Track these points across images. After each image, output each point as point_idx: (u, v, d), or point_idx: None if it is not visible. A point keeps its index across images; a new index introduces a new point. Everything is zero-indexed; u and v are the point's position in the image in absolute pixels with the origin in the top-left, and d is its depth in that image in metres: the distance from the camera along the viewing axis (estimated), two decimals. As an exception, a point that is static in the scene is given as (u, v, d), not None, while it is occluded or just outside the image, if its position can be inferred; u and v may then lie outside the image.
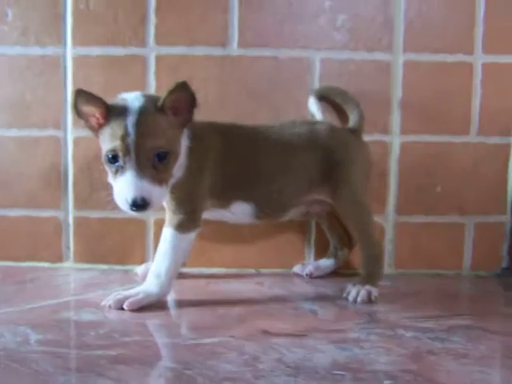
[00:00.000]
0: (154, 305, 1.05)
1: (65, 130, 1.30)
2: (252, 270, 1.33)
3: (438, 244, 1.34)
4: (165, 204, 1.10)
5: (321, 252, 1.33)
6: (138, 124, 0.97)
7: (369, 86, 1.30)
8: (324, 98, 1.29)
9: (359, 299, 1.10)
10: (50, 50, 1.29)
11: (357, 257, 1.31)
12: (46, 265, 1.33)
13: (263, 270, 1.34)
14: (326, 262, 1.31)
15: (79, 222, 1.32)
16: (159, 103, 1.00)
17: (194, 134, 1.09)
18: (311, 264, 1.30)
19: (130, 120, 0.97)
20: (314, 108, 1.27)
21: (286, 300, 1.12)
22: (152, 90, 1.28)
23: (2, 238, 1.33)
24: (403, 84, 1.30)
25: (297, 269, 1.32)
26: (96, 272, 1.30)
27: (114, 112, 0.99)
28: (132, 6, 1.27)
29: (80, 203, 1.31)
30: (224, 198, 1.14)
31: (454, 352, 0.86)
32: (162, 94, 1.01)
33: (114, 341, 0.87)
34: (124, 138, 0.97)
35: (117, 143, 0.97)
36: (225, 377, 0.75)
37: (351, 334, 0.93)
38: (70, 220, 1.32)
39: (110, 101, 1.01)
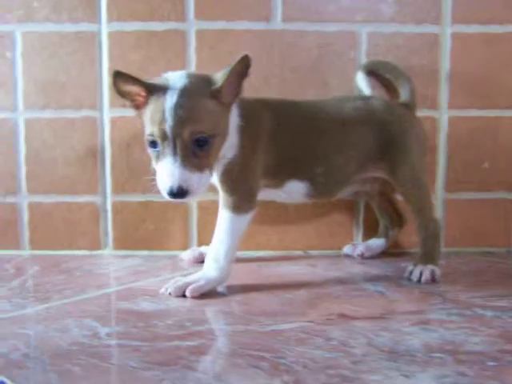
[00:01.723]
0: (214, 291, 1.00)
1: (101, 111, 1.24)
2: (299, 252, 1.30)
3: (487, 221, 1.31)
4: (218, 186, 1.05)
5: (368, 232, 1.30)
6: (177, 108, 0.91)
7: (417, 59, 1.26)
8: (372, 72, 1.25)
9: (423, 279, 1.07)
10: (83, 26, 1.22)
11: (405, 236, 1.29)
12: (84, 253, 1.27)
13: (311, 252, 1.30)
14: (377, 242, 1.27)
15: (117, 207, 1.26)
16: (217, 86, 0.93)
17: (244, 111, 1.03)
18: (362, 244, 1.27)
19: (169, 103, 0.91)
20: (363, 83, 1.23)
21: (347, 282, 1.08)
22: (192, 66, 1.23)
23: (38, 226, 1.27)
24: (451, 57, 1.26)
25: (347, 249, 1.28)
26: (138, 259, 1.24)
27: (154, 93, 0.94)
28: (171, -22, 1.22)
29: (118, 187, 1.26)
30: (278, 178, 1.10)
31: (542, 331, 0.84)
32: (206, 72, 0.97)
33: (188, 330, 0.82)
34: (161, 123, 0.91)
35: (154, 129, 0.92)
36: (324, 364, 0.71)
37: (431, 315, 0.90)
38: (108, 205, 1.26)
39: (152, 80, 0.95)
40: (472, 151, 1.29)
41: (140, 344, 0.77)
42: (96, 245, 1.27)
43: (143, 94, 0.95)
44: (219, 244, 1.02)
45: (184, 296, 0.97)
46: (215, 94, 0.94)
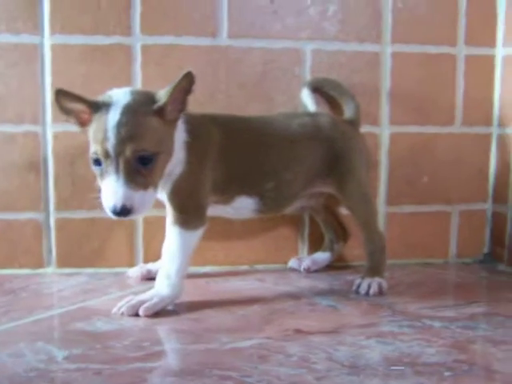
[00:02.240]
0: (167, 308, 0.99)
1: (43, 125, 1.20)
2: (246, 267, 1.30)
3: (426, 233, 1.36)
4: (166, 202, 1.04)
5: (313, 246, 1.32)
6: (119, 126, 0.90)
7: (359, 77, 1.29)
8: (317, 89, 1.27)
9: (371, 291, 1.10)
10: (24, 38, 1.18)
11: (348, 250, 1.32)
12: (27, 271, 1.22)
13: (257, 267, 1.30)
14: (322, 256, 1.29)
15: (61, 223, 1.22)
16: (160, 103, 0.93)
17: (191, 127, 1.03)
18: (308, 258, 1.28)
19: (111, 122, 0.90)
20: (308, 100, 1.25)
21: (297, 296, 1.09)
22: (138, 82, 1.21)
23: (-24, 244, 1.22)
24: (391, 75, 1.30)
25: (293, 263, 1.29)
26: (83, 276, 1.21)
27: (98, 111, 0.92)
28: (116, -9, 1.20)
29: (61, 204, 1.22)
30: (227, 194, 1.10)
31: (490, 339, 0.88)
32: (151, 87, 0.97)
33: (147, 351, 0.81)
34: (104, 142, 0.90)
35: (97, 147, 0.91)
36: (289, 381, 0.71)
37: (383, 328, 0.92)
38: (52, 222, 1.22)
39: (95, 98, 0.94)
40: (412, 166, 1.34)
41: (100, 367, 0.75)
42: (39, 263, 1.23)
43: (87, 111, 0.93)
44: (170, 261, 1.01)
45: (137, 315, 0.95)
46: (159, 112, 0.93)
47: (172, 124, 0.97)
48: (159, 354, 0.81)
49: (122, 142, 0.90)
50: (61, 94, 0.93)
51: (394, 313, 1.00)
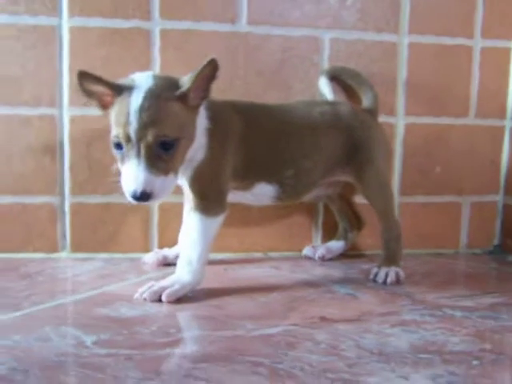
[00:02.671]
0: (189, 294, 0.99)
1: (60, 108, 1.19)
2: (260, 254, 1.30)
3: (437, 224, 1.37)
4: (187, 189, 1.04)
5: (327, 234, 1.33)
6: (142, 111, 0.89)
7: (376, 67, 1.29)
8: (335, 78, 1.27)
9: (389, 280, 1.10)
10: (43, 20, 1.17)
11: (361, 239, 1.33)
12: (41, 256, 1.22)
13: (271, 254, 1.31)
14: (337, 244, 1.30)
15: (76, 208, 1.22)
16: (183, 89, 0.92)
17: (212, 113, 1.02)
18: (322, 246, 1.29)
19: (134, 106, 0.90)
20: (326, 88, 1.25)
21: (315, 284, 1.10)
22: (157, 66, 1.20)
23: (-9, 228, 1.21)
24: (408, 66, 1.31)
25: (307, 251, 1.30)
26: (98, 262, 1.21)
27: (120, 94, 0.92)
28: (136, -25, 1.19)
29: (77, 188, 1.21)
30: (247, 180, 1.10)
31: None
32: (170, 72, 0.97)
33: (175, 337, 0.81)
34: (126, 126, 0.90)
35: (119, 131, 0.90)
36: (321, 368, 0.72)
37: (405, 317, 0.92)
38: (67, 206, 1.22)
39: (118, 80, 0.93)
40: (425, 156, 1.34)
41: (130, 352, 0.75)
42: (53, 247, 1.22)
43: (109, 94, 0.93)
44: (192, 247, 1.01)
45: (159, 301, 0.95)
46: (182, 97, 0.93)
47: (194, 110, 0.97)
48: (187, 340, 0.81)
49: (144, 126, 0.89)
50: (84, 76, 0.92)
51: (414, 302, 1.00)
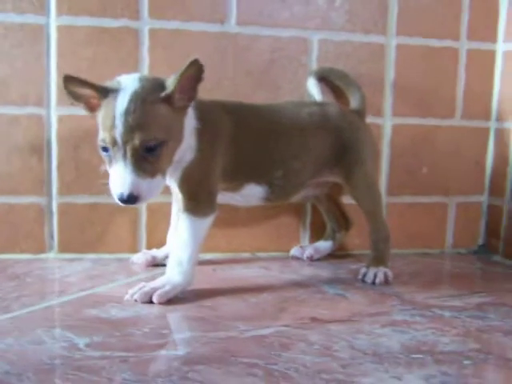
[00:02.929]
0: (179, 295, 0.99)
1: (48, 107, 1.18)
2: (247, 255, 1.31)
3: (424, 223, 1.39)
4: (176, 189, 1.04)
5: (315, 234, 1.33)
6: (127, 114, 0.89)
7: (364, 68, 1.30)
8: (323, 79, 1.28)
9: (377, 281, 1.11)
10: (30, 18, 1.15)
11: (348, 239, 1.34)
12: (28, 256, 1.21)
13: (259, 254, 1.31)
14: (325, 245, 1.30)
15: (64, 208, 1.21)
16: (167, 91, 0.91)
17: (201, 114, 1.02)
18: (310, 247, 1.30)
19: (119, 109, 0.89)
20: (314, 89, 1.25)
21: (305, 285, 1.10)
22: (145, 66, 1.20)
23: (-23, 228, 1.20)
24: (395, 67, 1.32)
25: (295, 251, 1.30)
26: (86, 262, 1.20)
27: (106, 96, 0.92)
28: (125, -26, 1.18)
29: (64, 188, 1.20)
30: (236, 181, 1.10)
31: (500, 329, 0.90)
32: (158, 72, 0.97)
33: (168, 339, 0.81)
34: (111, 129, 0.90)
35: (105, 135, 0.90)
36: (316, 369, 0.72)
37: (396, 317, 0.93)
38: (54, 207, 1.20)
39: (103, 81, 0.93)
40: (412, 157, 1.36)
41: (125, 355, 0.75)
42: (40, 248, 1.21)
43: (96, 96, 0.93)
44: (182, 248, 1.01)
45: (150, 302, 0.95)
46: (167, 99, 0.92)
47: (181, 111, 0.96)
48: (180, 342, 0.81)
49: (129, 130, 0.89)
50: (69, 80, 0.92)
51: (403, 302, 1.01)
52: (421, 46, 1.32)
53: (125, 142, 0.89)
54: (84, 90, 0.93)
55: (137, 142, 0.89)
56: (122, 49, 1.19)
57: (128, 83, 0.92)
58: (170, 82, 0.92)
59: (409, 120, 1.34)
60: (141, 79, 0.94)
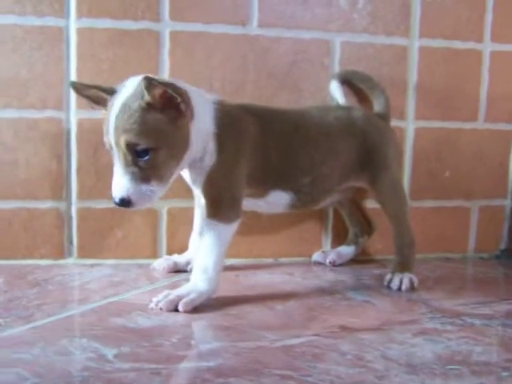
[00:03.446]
0: (204, 303, 0.97)
1: (67, 111, 1.17)
2: (270, 260, 1.29)
3: (446, 228, 1.37)
4: (199, 193, 1.02)
5: (337, 239, 1.31)
6: (117, 118, 0.89)
7: (386, 70, 1.28)
8: (346, 81, 1.26)
9: (404, 287, 1.09)
10: (50, 21, 1.14)
11: (370, 243, 1.32)
12: (47, 262, 1.19)
13: (281, 259, 1.29)
14: (347, 249, 1.28)
15: (83, 213, 1.19)
16: (144, 99, 0.89)
17: (222, 117, 1.00)
18: (333, 252, 1.28)
19: (113, 113, 0.90)
20: (337, 92, 1.23)
21: (330, 291, 1.08)
22: (166, 69, 1.18)
23: (-4, 234, 1.18)
24: (418, 69, 1.30)
25: (318, 257, 1.28)
26: (106, 268, 1.18)
27: (110, 100, 0.93)
28: (145, -25, 1.16)
29: (84, 193, 1.19)
30: (262, 187, 1.08)
31: (534, 338, 0.89)
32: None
33: (198, 349, 0.79)
34: (106, 133, 0.92)
35: (104, 138, 0.93)
36: (351, 381, 0.71)
37: (426, 325, 0.91)
38: (73, 212, 1.19)
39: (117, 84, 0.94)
40: (435, 161, 1.34)
41: (156, 367, 0.73)
42: (59, 253, 1.19)
43: (106, 97, 0.94)
44: (207, 254, 0.99)
45: (176, 310, 0.93)
46: (154, 107, 0.89)
47: (179, 121, 0.92)
48: (210, 353, 0.78)
49: (117, 134, 0.90)
50: (77, 86, 0.97)
51: (432, 309, 0.99)
52: (444, 48, 1.30)
53: (116, 146, 0.90)
54: (92, 91, 0.95)
55: (122, 145, 0.89)
56: (142, 51, 1.17)
57: (129, 86, 0.92)
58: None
59: (432, 123, 1.32)
60: (143, 82, 0.90)
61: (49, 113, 1.16)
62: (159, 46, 1.18)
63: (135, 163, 0.90)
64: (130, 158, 0.90)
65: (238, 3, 1.20)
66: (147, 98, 0.88)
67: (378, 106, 1.24)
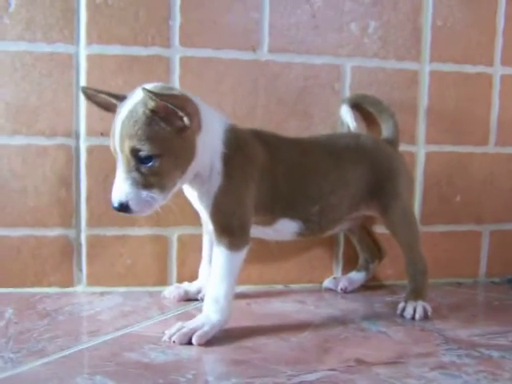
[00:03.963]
0: (217, 334, 0.95)
1: (77, 138, 1.16)
2: (280, 286, 1.27)
3: (457, 252, 1.35)
4: (207, 219, 1.01)
5: (347, 265, 1.30)
6: (123, 124, 0.90)
7: (397, 95, 1.28)
8: (356, 106, 1.25)
9: (417, 316, 1.08)
10: (60, 47, 1.13)
11: (380, 269, 1.31)
12: (55, 290, 1.17)
13: (292, 286, 1.28)
14: (358, 275, 1.27)
15: (92, 241, 1.18)
16: (148, 107, 0.88)
17: (231, 139, 1.00)
18: (344, 278, 1.26)
19: (120, 118, 0.91)
20: (348, 116, 1.23)
21: (345, 321, 1.06)
22: (176, 94, 1.17)
23: (4, 262, 1.16)
24: (429, 94, 1.29)
25: (329, 283, 1.27)
26: (116, 296, 1.16)
27: (119, 106, 0.93)
28: (155, 1, 1.15)
29: (93, 220, 1.17)
30: (269, 215, 1.07)
31: (554, 371, 0.87)
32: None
33: (214, 386, 0.78)
34: (112, 137, 0.93)
35: (110, 143, 0.93)
36: (374, 421, 0.70)
37: (443, 358, 0.90)
38: (83, 239, 1.18)
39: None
40: (446, 185, 1.33)
41: (172, 406, 0.72)
42: (68, 281, 1.18)
43: (115, 103, 0.95)
44: (217, 284, 0.97)
45: (189, 343, 0.92)
46: (157, 114, 0.89)
47: (185, 131, 0.91)
48: (228, 390, 0.78)
49: (121, 139, 0.90)
50: (87, 91, 0.97)
51: (447, 340, 0.98)
52: (454, 72, 1.29)
53: (120, 151, 0.90)
54: (102, 96, 0.96)
55: (126, 150, 0.89)
56: (152, 77, 1.15)
57: (137, 93, 0.91)
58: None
59: (442, 147, 1.31)
60: (156, 89, 0.90)
61: (58, 140, 1.15)
62: (169, 71, 1.17)
63: (138, 169, 0.90)
64: (133, 163, 0.89)
65: (248, 28, 1.20)
66: (151, 105, 0.88)
67: (386, 130, 1.23)
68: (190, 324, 0.95)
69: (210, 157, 0.97)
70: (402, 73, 1.27)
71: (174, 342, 0.92)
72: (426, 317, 1.09)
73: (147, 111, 0.88)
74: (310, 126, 1.23)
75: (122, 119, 0.90)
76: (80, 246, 1.18)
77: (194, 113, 0.92)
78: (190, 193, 1.03)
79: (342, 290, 1.25)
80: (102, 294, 1.18)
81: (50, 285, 1.18)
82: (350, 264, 1.29)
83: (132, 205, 0.90)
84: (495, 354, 0.92)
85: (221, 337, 0.96)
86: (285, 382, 0.80)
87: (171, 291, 1.16)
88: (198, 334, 0.92)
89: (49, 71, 1.14)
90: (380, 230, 1.26)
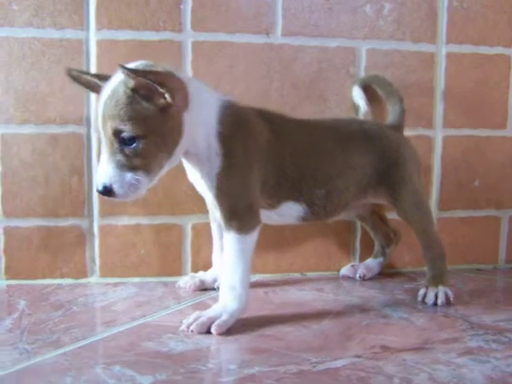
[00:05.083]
0: (235, 323, 0.93)
1: (88, 126, 1.13)
2: (297, 275, 1.25)
3: (476, 238, 1.33)
4: (213, 204, 0.98)
5: (365, 252, 1.27)
6: (105, 104, 0.87)
7: (413, 77, 1.25)
8: (367, 87, 1.22)
9: (439, 302, 1.05)
10: (69, 33, 1.11)
11: (397, 256, 1.29)
12: (68, 281, 1.15)
13: (308, 274, 1.26)
14: (375, 262, 1.25)
15: (105, 230, 1.16)
16: (129, 85, 0.85)
17: (229, 118, 0.95)
18: (362, 265, 1.24)
19: (102, 99, 0.88)
20: (359, 98, 1.20)
21: (365, 308, 1.04)
22: (188, 80, 1.14)
23: (15, 253, 1.14)
24: (446, 76, 1.26)
25: (346, 271, 1.25)
26: (131, 287, 1.14)
27: (103, 86, 0.90)
28: (166, -15, 1.13)
29: (106, 210, 1.15)
30: (274, 198, 1.02)
31: None
32: None
33: (238, 375, 0.75)
34: (96, 119, 0.91)
35: (93, 124, 0.95)
36: (405, 408, 0.67)
37: (470, 344, 0.87)
38: (95, 229, 1.16)
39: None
40: (464, 170, 1.30)
41: (195, 395, 0.70)
42: (82, 272, 1.16)
43: (100, 84, 0.92)
44: (232, 271, 0.94)
45: (208, 332, 0.89)
46: (139, 93, 0.86)
47: (168, 108, 0.88)
48: (253, 379, 0.74)
49: (104, 120, 0.88)
50: (71, 72, 0.94)
51: (473, 326, 0.95)
52: (471, 54, 1.27)
53: (104, 133, 0.88)
54: (88, 78, 0.94)
55: (109, 131, 0.86)
56: (164, 62, 1.11)
57: (120, 73, 0.87)
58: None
59: (460, 131, 1.28)
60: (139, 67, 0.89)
61: (69, 128, 1.13)
62: (181, 56, 1.15)
63: (122, 151, 0.87)
64: (116, 145, 0.87)
65: (261, 12, 1.17)
66: (131, 84, 0.85)
67: (392, 114, 1.20)
68: (208, 313, 0.92)
69: (205, 136, 0.94)
70: (418, 55, 1.25)
71: (191, 331, 0.90)
72: (448, 303, 1.06)
73: (128, 90, 0.85)
74: (324, 109, 1.21)
75: (104, 100, 0.87)
76: (93, 236, 1.16)
77: (177, 88, 0.89)
78: (194, 176, 1.00)
79: (360, 277, 1.22)
80: (115, 284, 1.16)
81: (62, 276, 1.16)
82: (367, 251, 1.27)
83: (116, 188, 0.87)
84: (523, 338, 0.91)
85: (240, 326, 0.93)
86: (310, 369, 0.78)
87: (187, 281, 1.14)
88: (216, 323, 0.90)
89: (58, 58, 1.11)
90: (393, 215, 1.22)
